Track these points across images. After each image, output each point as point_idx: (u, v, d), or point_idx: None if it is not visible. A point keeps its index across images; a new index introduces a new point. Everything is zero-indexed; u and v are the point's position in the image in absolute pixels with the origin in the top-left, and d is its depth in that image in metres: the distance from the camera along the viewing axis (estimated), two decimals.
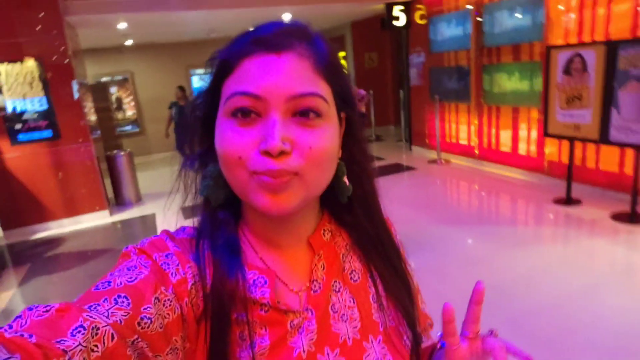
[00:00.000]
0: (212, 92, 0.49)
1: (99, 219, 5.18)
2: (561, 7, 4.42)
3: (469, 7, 5.52)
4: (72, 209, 5.04)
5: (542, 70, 4.62)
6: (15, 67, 4.69)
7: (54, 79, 4.82)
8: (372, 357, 0.53)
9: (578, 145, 4.38)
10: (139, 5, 5.22)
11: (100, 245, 4.54)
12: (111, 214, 5.35)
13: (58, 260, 4.23)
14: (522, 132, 5.15)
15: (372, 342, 0.54)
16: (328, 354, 0.50)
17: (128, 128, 9.72)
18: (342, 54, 9.62)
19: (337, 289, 0.54)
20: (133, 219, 5.26)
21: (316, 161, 0.46)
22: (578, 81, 3.94)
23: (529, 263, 3.20)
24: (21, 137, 4.83)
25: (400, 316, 0.57)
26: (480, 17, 5.44)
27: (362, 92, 3.08)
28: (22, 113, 4.79)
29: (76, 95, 4.92)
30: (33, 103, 4.81)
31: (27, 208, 4.87)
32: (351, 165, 0.55)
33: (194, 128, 0.53)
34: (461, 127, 6.18)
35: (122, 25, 6.33)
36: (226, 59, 0.48)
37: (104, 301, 0.40)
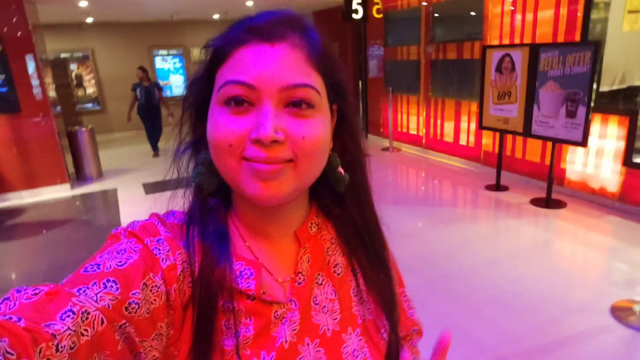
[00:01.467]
0: (206, 80, 0.49)
1: (60, 192, 5.28)
2: (496, 11, 4.88)
3: (424, 3, 5.91)
4: (32, 182, 5.13)
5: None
6: None
7: (12, 53, 4.85)
8: (349, 348, 0.54)
9: (509, 137, 4.88)
10: None
11: (61, 216, 4.68)
12: (72, 187, 5.46)
13: (17, 229, 4.35)
14: (463, 125, 5.63)
15: (350, 334, 0.55)
16: (308, 344, 0.51)
17: (89, 105, 9.63)
18: None
19: (320, 282, 0.55)
20: (94, 193, 5.40)
21: (309, 151, 0.47)
22: (508, 79, 4.41)
23: (454, 237, 3.66)
24: None
25: (380, 310, 0.58)
26: (434, 14, 5.85)
27: None
28: None
29: (31, 70, 4.97)
30: None
31: None
32: (344, 156, 0.55)
33: (188, 115, 0.53)
34: (411, 117, 6.63)
35: (83, 4, 6.33)
36: (220, 47, 0.48)
37: (93, 285, 0.40)
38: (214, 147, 0.47)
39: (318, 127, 0.47)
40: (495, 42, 4.92)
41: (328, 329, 0.53)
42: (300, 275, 0.54)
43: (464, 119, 5.60)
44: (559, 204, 4.15)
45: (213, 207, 0.52)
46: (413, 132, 6.62)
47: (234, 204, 0.54)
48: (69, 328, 0.35)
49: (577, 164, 4.31)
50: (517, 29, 4.71)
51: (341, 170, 0.54)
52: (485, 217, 4.29)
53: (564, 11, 4.23)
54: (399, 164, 6.29)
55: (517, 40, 4.71)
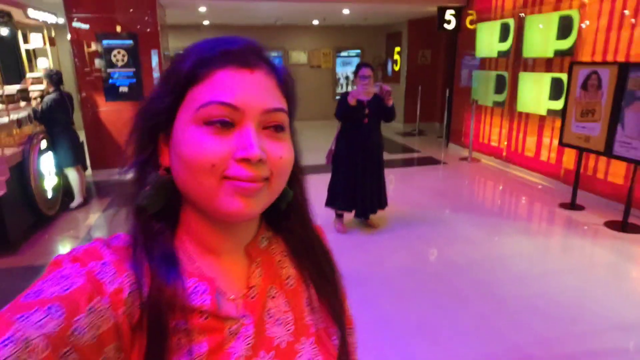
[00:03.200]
0: (173, 99, 0.49)
1: None
2: (591, 27, 4.73)
3: (522, 14, 5.86)
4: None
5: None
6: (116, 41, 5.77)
7: (142, 49, 5.84)
8: (304, 357, 0.55)
9: (591, 157, 4.72)
10: None
11: None
12: None
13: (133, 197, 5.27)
14: (546, 140, 5.50)
15: (304, 343, 0.56)
16: (263, 357, 0.52)
17: None
18: (397, 49, 10.10)
19: (273, 295, 0.57)
20: None
21: (283, 170, 0.50)
22: (593, 96, 4.30)
23: (512, 248, 3.74)
24: (113, 95, 5.92)
25: (330, 318, 0.60)
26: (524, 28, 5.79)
27: (387, 87, 3.66)
28: (115, 76, 5.87)
29: (154, 63, 5.92)
30: (125, 68, 5.88)
31: (111, 154, 5.97)
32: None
33: (141, 133, 0.52)
34: (494, 129, 6.57)
35: (202, 9, 7.29)
36: (194, 67, 0.48)
37: (35, 311, 0.38)
38: (191, 167, 0.47)
39: (289, 148, 0.52)
40: (586, 59, 4.79)
41: (282, 341, 0.54)
42: (252, 289, 0.55)
43: (546, 134, 5.48)
44: (635, 229, 3.97)
45: (158, 230, 0.51)
46: (494, 144, 6.56)
47: (186, 221, 0.53)
48: (10, 356, 0.34)
49: None
50: (610, 47, 4.55)
51: (286, 187, 0.56)
52: (551, 233, 4.24)
53: None
54: (475, 174, 6.30)
55: (609, 58, 4.55)
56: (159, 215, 0.52)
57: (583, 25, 4.86)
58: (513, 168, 6.12)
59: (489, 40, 6.50)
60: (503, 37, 6.19)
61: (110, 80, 5.90)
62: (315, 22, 9.99)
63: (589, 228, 4.13)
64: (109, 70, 5.88)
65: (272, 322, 0.55)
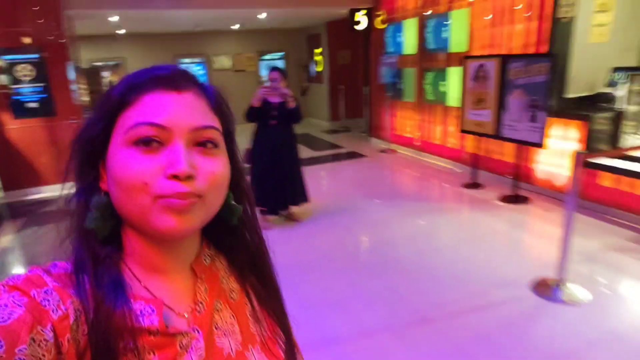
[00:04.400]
0: (104, 124, 0.51)
1: None
2: (477, 24, 5.30)
3: (428, 12, 6.36)
4: (65, 177, 5.88)
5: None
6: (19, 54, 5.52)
7: (51, 62, 5.65)
8: None
9: (486, 140, 5.29)
10: (128, 4, 6.05)
11: None
12: None
13: (50, 216, 5.09)
14: (450, 128, 6.05)
15: (251, 351, 0.59)
16: None
17: None
18: (318, 50, 10.45)
19: (219, 308, 0.59)
20: None
21: (217, 185, 0.52)
22: (482, 87, 4.84)
23: (419, 226, 4.13)
24: (21, 112, 5.66)
25: (275, 324, 0.65)
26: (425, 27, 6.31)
27: (286, 91, 3.91)
28: (23, 92, 5.63)
29: (70, 76, 5.75)
30: (33, 83, 5.65)
31: (24, 173, 5.70)
32: (234, 190, 0.59)
33: (80, 161, 0.53)
34: (408, 122, 7.08)
35: (114, 19, 7.14)
36: (123, 93, 0.50)
37: None
38: (124, 187, 0.48)
39: (222, 164, 0.53)
40: (476, 53, 5.34)
41: (232, 350, 0.57)
42: (199, 304, 0.57)
43: (451, 122, 6.03)
44: (523, 200, 4.54)
45: (105, 255, 0.52)
46: (409, 135, 7.07)
47: (128, 244, 0.54)
48: None
49: (542, 163, 4.68)
50: (495, 41, 5.13)
51: (234, 203, 0.59)
52: (453, 210, 4.73)
53: (534, 25, 4.62)
54: (393, 164, 6.76)
55: (494, 51, 5.12)
56: (103, 240, 0.53)
57: (472, 23, 5.42)
58: (425, 156, 6.64)
59: (398, 39, 6.98)
60: (409, 36, 6.69)
61: (17, 97, 5.63)
62: (236, 27, 10.07)
63: (485, 203, 4.65)
64: (14, 86, 5.61)
65: (220, 334, 0.57)
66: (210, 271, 0.61)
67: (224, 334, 0.58)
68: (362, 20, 7.53)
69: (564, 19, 4.38)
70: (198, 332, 0.55)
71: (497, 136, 4.71)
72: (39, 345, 0.42)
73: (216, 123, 0.54)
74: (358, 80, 10.30)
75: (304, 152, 7.49)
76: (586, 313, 2.64)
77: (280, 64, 11.44)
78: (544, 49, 4.52)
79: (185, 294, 0.57)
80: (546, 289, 2.87)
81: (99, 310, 0.47)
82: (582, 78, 4.56)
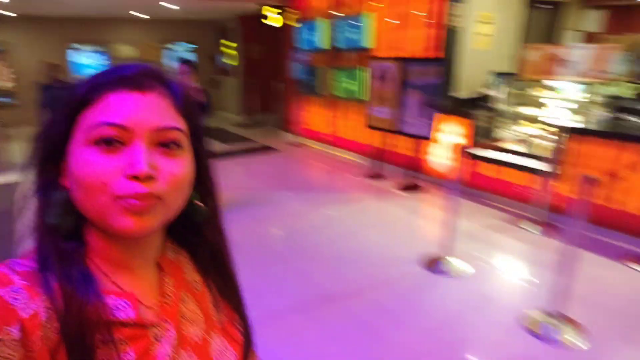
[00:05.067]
0: (65, 123, 0.51)
1: None
2: (381, 27, 5.72)
3: (340, 13, 6.63)
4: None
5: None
6: None
7: None
8: (216, 349, 0.63)
9: (390, 135, 5.73)
10: None
11: None
12: None
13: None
14: (357, 123, 6.44)
15: (214, 337, 0.63)
16: (183, 355, 0.57)
17: (3, 99, 9.47)
18: (229, 43, 10.35)
19: (185, 300, 0.62)
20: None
21: (177, 186, 0.52)
22: (385, 86, 5.24)
23: (326, 215, 4.40)
24: None
25: (233, 312, 0.69)
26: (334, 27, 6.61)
27: (195, 86, 3.91)
28: None
29: None
30: None
31: None
32: (201, 190, 0.61)
33: (41, 158, 0.54)
34: (319, 117, 7.37)
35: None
36: (85, 92, 0.51)
37: None
38: (84, 186, 0.48)
39: (185, 165, 0.53)
40: (381, 55, 5.76)
41: (198, 337, 0.60)
42: (167, 297, 0.59)
43: (357, 119, 6.42)
44: (418, 189, 5.04)
45: (70, 250, 0.52)
46: (319, 129, 7.36)
47: (92, 241, 0.54)
48: None
49: (434, 156, 5.23)
50: (398, 44, 5.57)
51: (199, 203, 0.61)
52: (358, 199, 5.10)
53: (431, 31, 5.12)
54: (305, 158, 7.00)
55: (395, 54, 5.57)
56: (66, 236, 0.53)
57: (378, 26, 5.82)
58: (336, 150, 6.99)
59: (310, 37, 7.21)
60: (321, 34, 6.96)
61: None
62: (137, 14, 9.57)
63: (386, 192, 5.08)
64: None
65: (187, 324, 0.60)
66: (175, 264, 0.64)
67: (191, 323, 0.61)
68: (274, 17, 7.64)
69: (454, 27, 4.92)
70: (169, 323, 0.57)
71: (397, 131, 5.15)
72: (6, 345, 0.42)
73: (180, 124, 0.54)
74: (271, 75, 10.40)
75: (216, 146, 7.45)
76: (467, 283, 3.07)
77: (189, 55, 11.10)
78: (440, 53, 5.04)
79: (151, 287, 0.59)
80: (434, 264, 3.27)
81: (70, 304, 0.47)
82: (468, 81, 5.17)
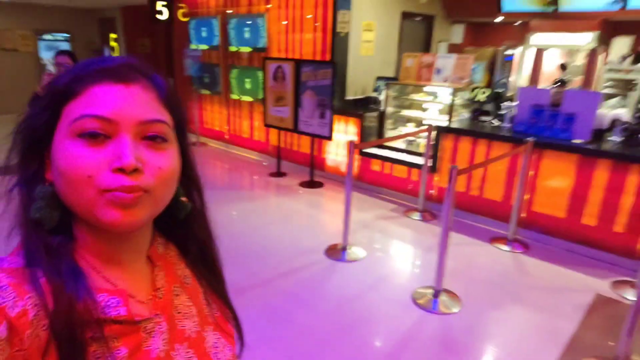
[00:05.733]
0: (48, 115, 0.50)
1: None
2: (275, 29, 5.91)
3: (229, 11, 6.60)
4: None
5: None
6: None
7: None
8: (210, 343, 0.62)
9: (288, 134, 5.95)
10: None
11: None
12: None
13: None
14: (256, 122, 6.56)
15: (207, 331, 0.63)
16: (178, 349, 0.57)
17: None
18: (113, 35, 9.65)
19: (177, 293, 0.62)
20: None
21: (164, 179, 0.51)
22: (281, 86, 5.44)
23: (228, 213, 4.46)
24: None
25: (223, 305, 0.69)
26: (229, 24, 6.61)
27: (65, 59, 3.65)
28: None
29: None
30: None
31: None
32: (186, 184, 0.61)
33: (23, 150, 0.52)
34: (216, 115, 7.31)
35: None
36: (68, 84, 0.50)
37: None
38: (69, 180, 0.48)
39: (171, 159, 0.53)
40: (275, 55, 5.94)
41: (192, 331, 0.60)
42: (159, 290, 0.59)
43: (256, 117, 6.53)
44: (318, 185, 5.36)
45: (58, 244, 0.50)
46: (217, 128, 7.31)
47: (81, 236, 0.53)
48: None
49: (332, 153, 5.60)
50: (290, 46, 5.80)
51: (184, 199, 0.60)
52: (261, 197, 5.26)
53: (320, 36, 5.44)
54: (204, 157, 6.89)
55: (290, 55, 5.80)
56: (53, 231, 0.51)
57: (270, 26, 5.99)
58: (234, 148, 7.02)
59: (202, 33, 7.09)
60: (212, 32, 6.89)
61: None
62: None
63: (288, 189, 5.30)
64: None
65: (180, 317, 0.60)
66: (165, 258, 0.63)
67: (185, 317, 0.60)
68: (163, 11, 7.34)
69: (341, 33, 5.30)
70: (160, 317, 0.57)
71: (295, 130, 5.39)
72: None
73: (165, 116, 0.53)
74: (160, 70, 9.90)
75: None
76: (363, 266, 3.42)
77: (65, 46, 10.08)
78: (329, 57, 5.38)
79: (143, 281, 0.58)
80: (335, 252, 3.57)
81: (60, 300, 0.46)
82: (356, 83, 5.62)
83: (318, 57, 5.48)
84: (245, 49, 6.41)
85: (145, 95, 0.52)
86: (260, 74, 6.14)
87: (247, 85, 6.51)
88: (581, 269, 3.45)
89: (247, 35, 6.33)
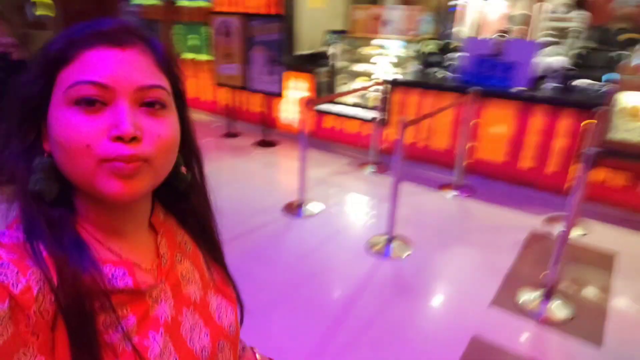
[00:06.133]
0: (42, 82, 0.48)
1: None
2: None
3: None
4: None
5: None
6: None
7: None
8: (214, 306, 0.63)
9: (240, 92, 5.84)
10: None
11: None
12: None
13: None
14: (207, 82, 6.36)
15: (210, 295, 0.64)
16: (185, 314, 0.58)
17: None
18: None
19: (179, 259, 0.62)
20: None
21: (164, 148, 0.50)
22: (229, 42, 5.27)
23: None
24: None
25: (222, 270, 0.70)
26: None
27: (7, 39, 3.39)
28: None
29: None
30: None
31: None
32: (185, 154, 0.60)
33: (18, 120, 0.50)
34: None
35: None
36: (62, 49, 0.48)
37: None
38: (67, 150, 0.46)
39: (171, 126, 0.51)
40: (220, 9, 5.69)
41: (197, 296, 0.61)
42: (163, 258, 0.59)
43: (203, 76, 6.32)
44: (272, 144, 5.37)
45: (59, 216, 0.49)
46: None
47: (82, 208, 0.52)
48: None
49: (284, 111, 5.58)
50: None
51: (184, 169, 0.60)
52: (216, 158, 5.22)
53: None
54: None
55: (236, 9, 5.57)
56: (53, 203, 0.50)
57: None
58: None
59: None
60: None
61: None
62: None
63: (242, 149, 5.28)
64: None
65: (185, 283, 0.60)
66: (166, 226, 0.63)
67: (189, 283, 0.61)
68: None
69: None
70: (165, 283, 0.57)
71: (246, 88, 5.30)
72: None
73: (164, 82, 0.51)
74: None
75: None
76: (320, 221, 3.55)
77: None
78: (279, 10, 5.22)
79: (147, 250, 0.58)
80: (292, 209, 3.67)
81: (64, 273, 0.45)
82: (307, 38, 5.53)
83: (266, 10, 5.31)
84: (190, 3, 6.08)
85: (143, 59, 0.50)
86: (204, 30, 5.89)
87: (195, 43, 6.24)
88: (519, 208, 3.76)
89: None
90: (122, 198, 0.48)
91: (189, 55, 6.36)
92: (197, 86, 6.49)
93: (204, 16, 5.91)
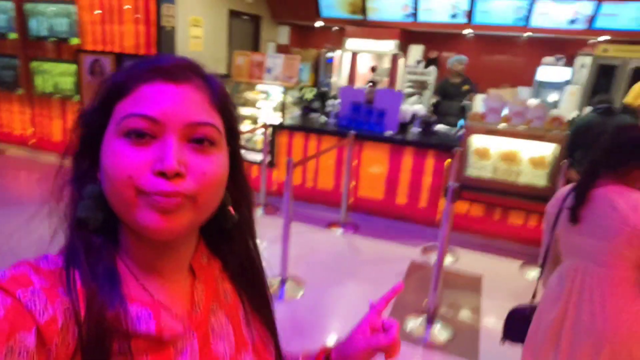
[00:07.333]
0: (101, 113, 0.49)
1: None
2: (87, 18, 5.29)
3: None
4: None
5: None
6: None
7: None
8: None
9: None
10: None
11: None
12: None
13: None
14: (72, 123, 5.76)
15: (244, 355, 0.58)
16: None
17: None
18: None
19: (214, 310, 0.58)
20: None
21: (209, 186, 0.48)
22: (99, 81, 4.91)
23: (42, 229, 3.87)
24: None
25: (264, 328, 0.64)
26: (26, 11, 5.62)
27: None
28: None
29: None
30: None
31: None
32: (234, 194, 0.58)
33: (78, 147, 0.51)
34: (17, 116, 6.17)
35: None
36: (121, 81, 0.49)
37: None
38: (111, 178, 0.46)
39: (218, 164, 0.50)
40: (90, 48, 5.32)
41: (226, 354, 0.56)
42: (196, 306, 0.55)
43: (71, 117, 5.75)
44: None
45: (99, 245, 0.49)
46: (23, 132, 6.19)
47: (124, 240, 0.51)
48: None
49: None
50: (108, 37, 5.27)
51: (231, 208, 0.57)
52: None
53: (143, 28, 5.07)
54: (1, 169, 5.79)
55: (109, 48, 5.27)
56: (98, 232, 0.49)
57: (81, 16, 5.32)
58: (43, 155, 6.05)
59: None
60: (8, 18, 5.77)
61: None
62: None
63: None
64: None
65: (215, 338, 0.55)
66: (208, 271, 0.59)
67: (219, 338, 0.56)
68: None
69: (167, 27, 5.06)
70: (193, 334, 0.53)
71: None
72: (18, 354, 0.39)
73: (215, 119, 0.51)
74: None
75: None
76: None
77: None
78: (154, 51, 5.07)
79: (182, 293, 0.55)
80: None
81: (92, 304, 0.45)
82: None
83: (143, 51, 5.12)
84: (51, 40, 5.56)
85: (197, 96, 0.49)
86: (72, 67, 5.43)
87: (60, 82, 5.67)
88: (399, 241, 4.07)
89: (51, 23, 5.50)
90: (160, 232, 0.47)
91: (55, 96, 5.75)
92: (62, 128, 5.85)
93: (71, 54, 5.46)
